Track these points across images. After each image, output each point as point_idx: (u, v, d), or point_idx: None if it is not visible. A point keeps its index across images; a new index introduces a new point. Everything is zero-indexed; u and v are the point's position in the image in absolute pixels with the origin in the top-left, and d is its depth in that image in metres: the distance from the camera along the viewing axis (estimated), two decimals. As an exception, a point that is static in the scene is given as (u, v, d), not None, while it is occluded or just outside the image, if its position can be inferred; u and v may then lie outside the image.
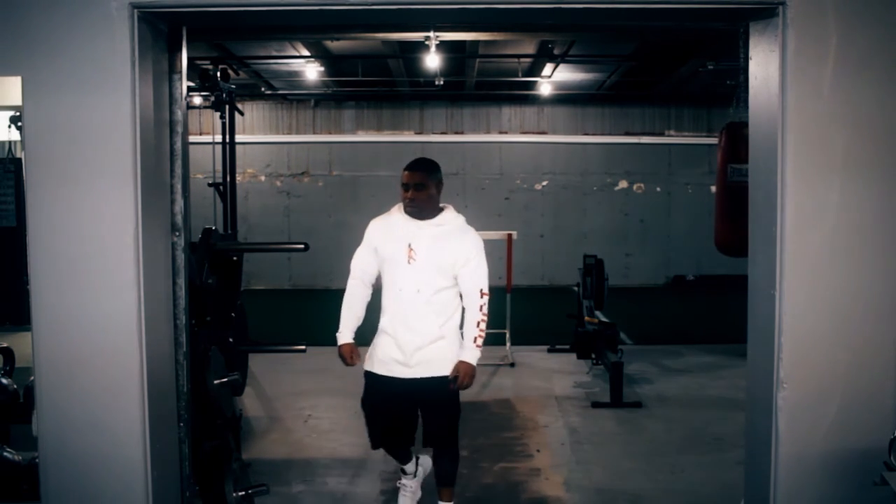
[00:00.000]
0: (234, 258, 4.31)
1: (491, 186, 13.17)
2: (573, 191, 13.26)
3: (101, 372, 2.85)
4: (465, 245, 3.41)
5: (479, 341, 3.40)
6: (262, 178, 13.16)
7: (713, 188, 8.68)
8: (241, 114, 5.60)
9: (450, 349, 3.40)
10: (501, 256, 7.54)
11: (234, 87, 4.48)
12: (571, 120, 13.23)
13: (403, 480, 3.75)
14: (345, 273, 3.55)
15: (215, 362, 3.55)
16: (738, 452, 3.88)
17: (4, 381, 3.99)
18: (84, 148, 2.79)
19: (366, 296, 3.54)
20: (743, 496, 3.24)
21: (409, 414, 3.50)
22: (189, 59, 3.19)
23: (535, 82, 11.35)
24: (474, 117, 13.19)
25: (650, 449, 4.85)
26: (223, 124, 4.55)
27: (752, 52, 3.03)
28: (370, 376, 3.49)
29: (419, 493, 3.77)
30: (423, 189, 3.38)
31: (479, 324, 3.39)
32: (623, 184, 13.27)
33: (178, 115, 3.11)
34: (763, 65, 2.93)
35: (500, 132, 13.26)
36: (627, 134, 13.20)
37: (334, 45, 9.09)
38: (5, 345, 4.28)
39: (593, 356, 6.47)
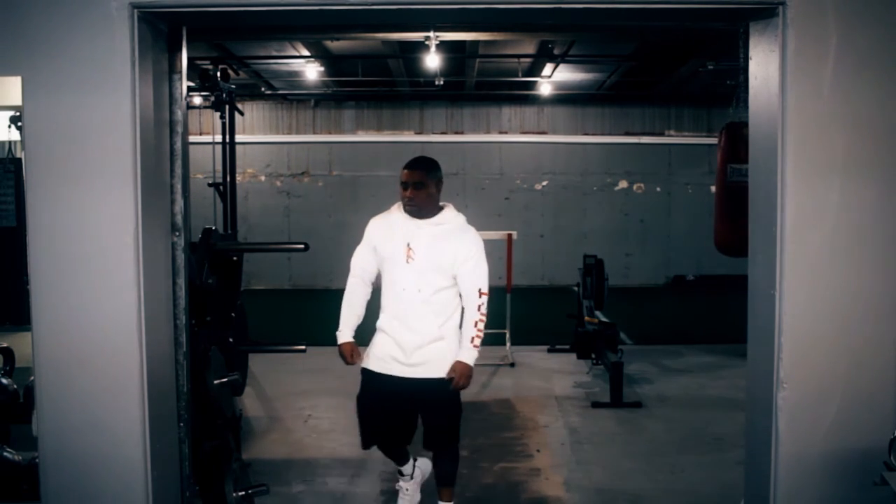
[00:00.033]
0: (234, 258, 4.31)
1: (491, 186, 13.17)
2: (573, 191, 13.26)
3: (101, 372, 2.85)
4: (465, 244, 3.39)
5: (477, 341, 3.38)
6: (262, 178, 13.17)
7: (713, 188, 8.68)
8: (241, 114, 5.60)
9: (449, 350, 3.38)
10: (501, 256, 7.54)
11: (234, 87, 4.48)
12: (571, 120, 13.23)
13: (401, 483, 3.73)
14: (345, 273, 3.55)
15: (215, 362, 3.55)
16: (738, 452, 3.88)
17: (4, 381, 3.99)
18: (84, 148, 2.79)
19: (366, 294, 3.53)
20: (743, 496, 3.24)
21: (405, 413, 3.48)
22: (189, 59, 3.19)
23: (535, 82, 11.35)
24: (474, 117, 13.19)
25: (650, 449, 4.85)
26: (223, 124, 4.55)
27: (752, 52, 3.03)
28: (366, 373, 3.47)
29: (418, 497, 3.75)
30: (422, 188, 3.35)
31: (476, 323, 3.37)
32: (623, 184, 13.27)
33: (178, 115, 3.11)
34: (763, 65, 2.93)
35: (500, 132, 13.26)
36: (627, 134, 13.20)
37: (334, 45, 9.09)
38: (5, 345, 4.29)
39: (593, 356, 6.47)
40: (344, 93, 12.46)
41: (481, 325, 3.37)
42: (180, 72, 3.11)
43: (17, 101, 2.79)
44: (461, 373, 3.35)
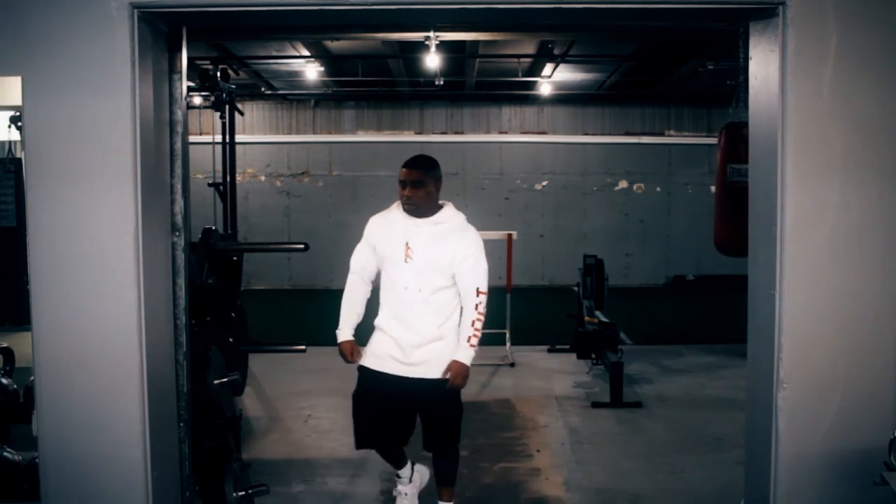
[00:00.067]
0: (234, 258, 4.31)
1: (491, 186, 13.17)
2: (573, 191, 13.26)
3: (101, 372, 2.85)
4: (464, 243, 3.36)
5: (474, 340, 3.34)
6: (262, 178, 13.17)
7: (713, 188, 8.69)
8: (241, 114, 5.60)
9: (449, 350, 3.36)
10: (501, 256, 7.54)
11: (234, 87, 4.48)
12: (571, 120, 13.23)
13: (399, 487, 3.70)
14: (345, 273, 3.54)
15: (215, 362, 3.55)
16: (738, 452, 3.88)
17: (4, 381, 3.99)
18: (84, 148, 2.79)
19: (365, 292, 3.51)
20: (743, 496, 3.24)
21: (402, 413, 3.45)
22: (189, 59, 3.19)
23: (535, 82, 11.35)
24: (474, 117, 13.19)
25: (650, 449, 4.85)
26: (223, 124, 4.55)
27: (752, 52, 3.03)
28: (364, 371, 3.44)
29: (416, 503, 3.72)
30: (420, 186, 3.33)
31: (474, 322, 3.34)
32: (623, 184, 13.27)
33: (178, 115, 3.11)
34: (763, 65, 2.93)
35: (500, 132, 13.26)
36: (627, 134, 13.20)
37: (334, 45, 9.09)
38: (5, 345, 4.29)
39: (593, 356, 6.47)
40: (344, 93, 12.46)
41: (479, 325, 3.35)
42: (180, 72, 3.11)
43: (17, 101, 2.79)
44: (457, 372, 3.33)
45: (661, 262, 13.24)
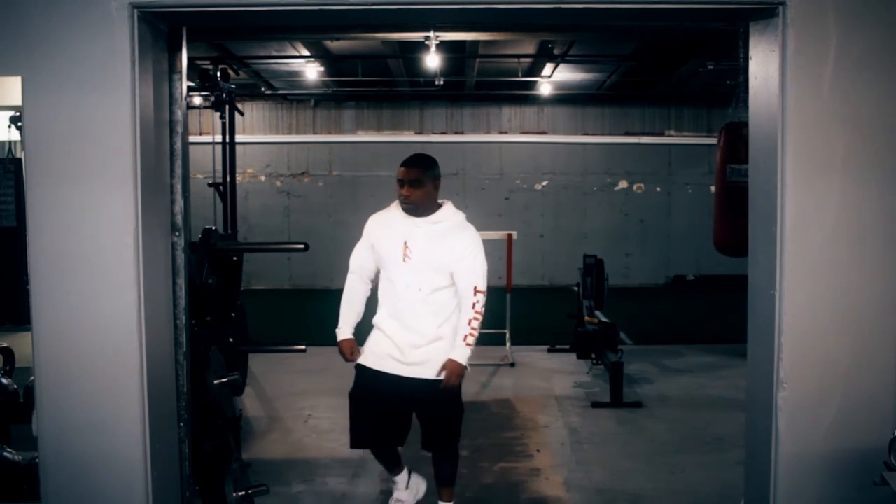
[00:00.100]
0: (234, 258, 4.31)
1: (491, 186, 13.17)
2: (573, 191, 13.26)
3: (101, 372, 2.85)
4: (462, 241, 3.35)
5: (470, 339, 3.32)
6: (262, 178, 13.17)
7: (713, 188, 8.69)
8: (241, 114, 5.60)
9: (448, 351, 3.35)
10: (501, 256, 7.55)
11: (234, 87, 4.48)
12: (571, 120, 13.23)
13: (396, 494, 3.67)
14: (345, 273, 3.54)
15: (215, 362, 3.55)
16: (738, 452, 3.88)
17: (4, 381, 3.99)
18: (84, 148, 2.79)
19: (365, 291, 3.51)
20: (743, 496, 3.24)
21: (399, 413, 3.43)
22: (189, 59, 3.19)
23: (535, 82, 11.35)
24: (474, 117, 13.19)
25: (650, 449, 4.85)
26: (223, 124, 4.55)
27: (752, 52, 3.03)
28: (361, 370, 3.42)
29: None
30: (418, 185, 3.31)
31: (471, 322, 3.31)
32: (623, 184, 13.27)
33: (178, 115, 3.11)
34: (763, 65, 2.93)
35: (500, 132, 13.26)
36: (627, 134, 13.20)
37: (334, 45, 9.09)
38: (5, 345, 4.28)
39: (593, 356, 6.47)
40: (344, 93, 12.46)
41: (475, 324, 3.32)
42: (180, 72, 3.11)
43: (17, 101, 2.79)
44: (452, 371, 3.30)
45: (661, 262, 13.24)
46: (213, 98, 4.23)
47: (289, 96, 12.78)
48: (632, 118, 13.17)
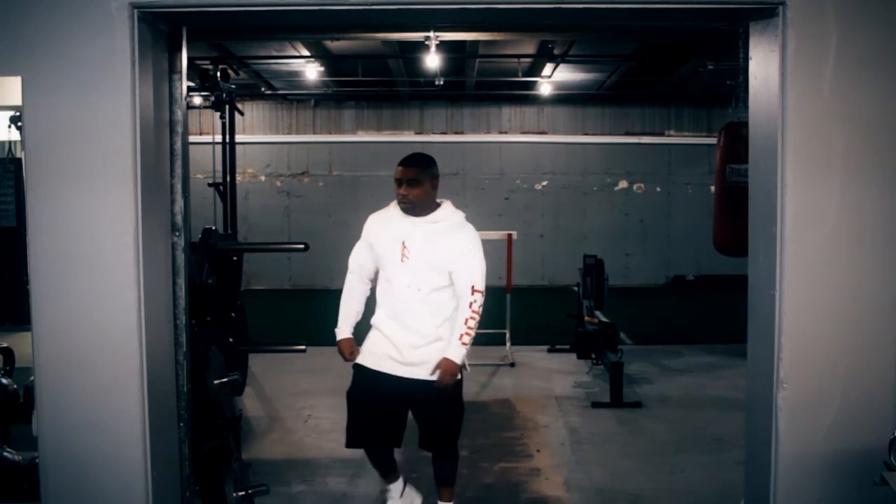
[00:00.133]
0: (234, 258, 4.31)
1: (491, 186, 13.17)
2: (573, 191, 13.26)
3: (101, 372, 2.85)
4: (460, 240, 3.33)
5: (466, 339, 3.28)
6: (262, 178, 13.17)
7: (713, 188, 8.71)
8: (241, 114, 5.60)
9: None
10: (501, 256, 7.55)
11: (234, 87, 4.48)
12: (571, 120, 13.23)
13: (390, 503, 3.63)
14: (345, 273, 3.53)
15: (215, 362, 3.55)
16: (738, 452, 3.88)
17: (4, 381, 3.99)
18: (84, 148, 2.79)
19: (364, 291, 3.49)
20: (743, 496, 3.24)
21: (397, 413, 3.40)
22: (189, 59, 3.19)
23: (535, 82, 11.35)
24: (474, 117, 13.19)
25: (650, 449, 4.85)
26: (223, 124, 4.55)
27: (752, 52, 3.03)
28: (359, 369, 3.40)
29: None
30: (416, 185, 3.29)
31: (467, 321, 3.28)
32: (623, 184, 13.27)
33: (178, 115, 3.11)
34: (763, 65, 2.93)
35: (500, 132, 13.26)
36: (627, 134, 13.20)
37: (334, 45, 9.09)
38: (5, 345, 4.28)
39: (593, 356, 6.47)
40: (344, 93, 12.46)
41: (472, 323, 3.29)
42: (180, 72, 3.11)
43: (17, 101, 2.79)
44: (446, 370, 3.27)
45: (661, 262, 13.24)
46: (213, 98, 4.23)
47: (289, 96, 12.79)
48: (632, 118, 13.17)
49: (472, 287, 3.30)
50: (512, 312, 7.38)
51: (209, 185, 4.62)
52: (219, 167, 4.63)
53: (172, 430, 3.13)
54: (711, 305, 11.23)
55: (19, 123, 3.02)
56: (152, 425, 2.90)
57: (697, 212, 12.49)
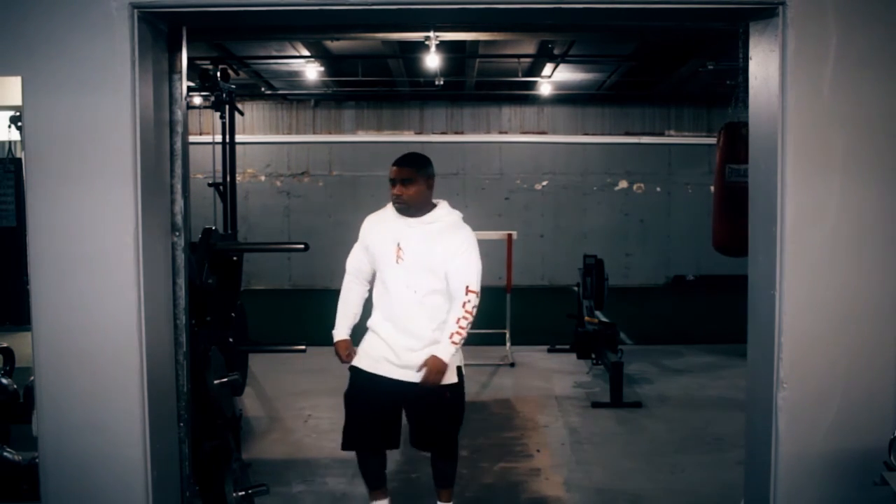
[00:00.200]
0: (234, 258, 4.31)
1: (491, 186, 13.17)
2: (573, 191, 13.26)
3: (102, 372, 2.85)
4: (455, 240, 3.29)
5: (457, 338, 3.25)
6: (262, 178, 13.17)
7: (713, 188, 8.72)
8: (241, 114, 5.61)
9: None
10: (501, 256, 7.54)
11: (234, 87, 4.48)
12: (571, 120, 13.23)
13: None
14: (344, 273, 3.53)
15: (215, 362, 3.55)
16: (738, 452, 3.88)
17: (4, 381, 3.99)
18: (84, 148, 2.79)
19: (362, 293, 3.48)
20: (743, 496, 3.24)
21: (393, 416, 3.38)
22: (189, 59, 3.19)
23: (535, 82, 11.36)
24: (474, 117, 13.19)
25: (650, 449, 4.85)
26: (223, 124, 4.55)
27: (752, 52, 3.03)
28: (356, 372, 3.38)
29: None
30: (410, 184, 3.25)
31: (459, 321, 3.24)
32: (623, 184, 13.27)
33: (178, 115, 3.11)
34: (763, 65, 2.93)
35: (500, 132, 13.26)
36: (627, 134, 13.20)
37: (334, 45, 9.09)
38: (5, 345, 4.28)
39: (593, 356, 6.47)
40: (344, 93, 12.46)
41: (464, 323, 3.25)
42: (180, 72, 3.11)
43: (17, 101, 2.79)
44: (432, 367, 3.23)
45: (661, 262, 13.24)
46: (213, 98, 4.23)
47: (289, 96, 12.79)
48: (632, 118, 13.17)
49: (467, 287, 3.26)
50: (512, 312, 7.37)
51: (209, 185, 4.62)
52: (219, 167, 4.63)
53: (172, 430, 3.13)
54: (711, 305, 11.23)
55: (19, 123, 3.02)
56: (152, 425, 2.90)
57: (697, 212, 12.49)
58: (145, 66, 2.86)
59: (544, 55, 9.63)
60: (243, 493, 3.46)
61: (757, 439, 3.04)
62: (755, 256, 3.07)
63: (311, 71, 10.38)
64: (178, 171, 3.12)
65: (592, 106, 13.10)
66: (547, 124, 13.26)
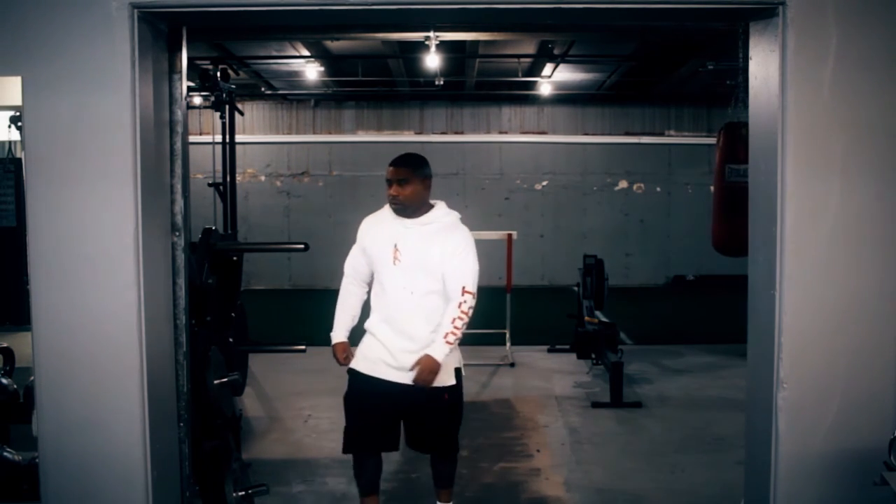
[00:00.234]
0: (234, 258, 4.31)
1: (491, 186, 13.17)
2: (573, 191, 13.26)
3: (102, 372, 2.85)
4: (452, 240, 3.26)
5: (451, 338, 3.21)
6: (262, 178, 13.17)
7: (713, 188, 8.72)
8: (241, 114, 5.61)
9: (445, 358, 3.24)
10: (501, 256, 7.54)
11: (234, 87, 4.48)
12: (571, 120, 13.23)
13: None
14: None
15: (215, 362, 3.55)
16: (738, 452, 3.88)
17: (4, 381, 3.99)
18: (84, 148, 2.79)
19: (360, 295, 3.45)
20: (743, 496, 3.24)
21: (392, 418, 3.35)
22: (189, 59, 3.19)
23: (535, 82, 11.35)
24: (474, 117, 13.19)
25: (650, 449, 4.85)
26: (223, 124, 4.55)
27: (752, 52, 3.04)
28: (354, 374, 3.35)
29: None
30: (406, 185, 3.23)
31: (454, 321, 3.21)
32: (623, 184, 13.27)
33: (178, 115, 3.11)
34: (763, 65, 2.94)
35: (500, 132, 13.26)
36: (627, 134, 13.20)
37: (334, 45, 9.09)
38: (5, 345, 4.28)
39: (593, 356, 6.47)
40: (344, 93, 12.46)
41: (459, 324, 3.22)
42: (180, 72, 3.11)
43: (17, 101, 2.79)
44: (424, 366, 3.19)
45: (661, 262, 13.24)
46: (213, 98, 4.23)
47: (289, 96, 12.79)
48: (632, 118, 13.17)
49: (463, 288, 3.24)
50: (512, 312, 7.36)
51: (209, 185, 4.62)
52: (219, 167, 4.64)
53: (172, 430, 3.14)
54: (711, 305, 11.23)
55: (19, 123, 3.02)
56: (152, 425, 2.90)
57: (697, 212, 12.48)
58: (145, 66, 2.86)
59: (544, 55, 9.63)
60: (243, 493, 3.46)
61: (757, 439, 3.04)
62: (755, 256, 3.07)
63: (311, 71, 10.38)
64: (178, 171, 3.12)
65: (592, 106, 13.10)
66: (547, 124, 13.26)
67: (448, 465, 3.53)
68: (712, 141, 10.40)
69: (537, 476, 4.39)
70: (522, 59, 10.09)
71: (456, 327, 3.22)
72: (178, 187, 3.12)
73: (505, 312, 7.29)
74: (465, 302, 3.23)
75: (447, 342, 3.21)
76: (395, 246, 3.27)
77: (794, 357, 2.84)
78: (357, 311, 3.45)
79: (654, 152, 13.16)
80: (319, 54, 9.60)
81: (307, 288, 12.80)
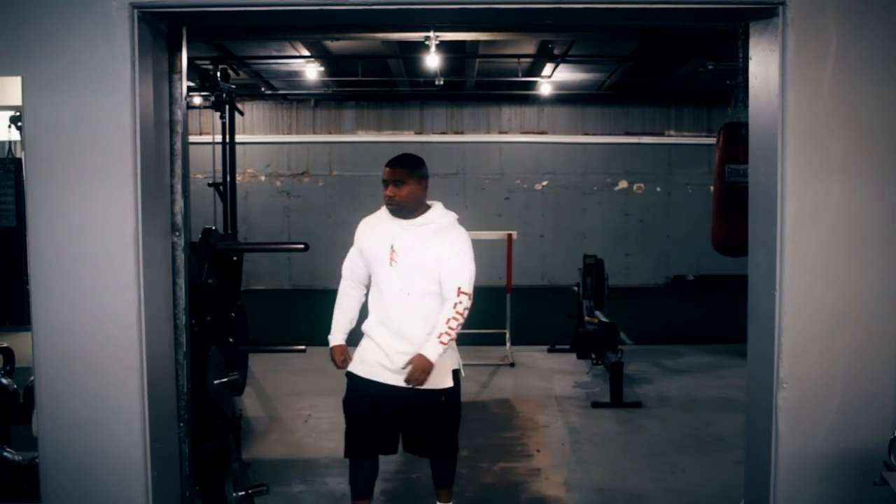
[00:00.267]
0: (234, 258, 4.31)
1: (491, 186, 13.17)
2: (573, 191, 13.26)
3: (102, 372, 2.85)
4: (449, 242, 3.25)
5: (445, 338, 3.18)
6: (262, 178, 13.17)
7: (713, 188, 8.72)
8: (241, 114, 5.61)
9: (442, 359, 3.23)
10: (501, 256, 7.51)
11: (234, 87, 4.48)
12: (571, 120, 13.23)
13: None
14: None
15: (215, 362, 3.55)
16: (738, 452, 3.88)
17: (4, 381, 3.99)
18: (84, 148, 2.80)
19: (358, 297, 3.44)
20: (743, 496, 3.24)
21: (390, 420, 3.33)
22: (189, 59, 3.19)
23: (535, 82, 11.35)
24: (474, 117, 13.19)
25: (650, 449, 4.85)
26: (223, 124, 4.55)
27: (752, 52, 3.04)
28: (352, 378, 3.34)
29: None
30: (402, 185, 3.23)
31: (449, 321, 3.19)
32: (623, 184, 13.27)
33: (178, 115, 3.11)
34: (763, 65, 2.94)
35: (500, 132, 13.26)
36: (627, 134, 13.20)
37: (334, 45, 9.09)
38: (5, 345, 4.28)
39: (593, 356, 6.47)
40: (344, 93, 12.46)
41: (454, 324, 3.20)
42: (180, 72, 3.11)
43: (17, 101, 2.79)
44: (417, 365, 3.16)
45: (661, 262, 13.24)
46: (213, 98, 4.23)
47: (289, 96, 12.78)
48: (632, 118, 13.17)
49: (459, 288, 3.21)
50: (512, 312, 7.34)
51: (209, 185, 4.62)
52: (219, 167, 4.63)
53: (172, 430, 3.14)
54: (711, 305, 11.23)
55: (19, 123, 3.02)
56: (152, 425, 2.90)
57: (697, 212, 12.48)
58: (145, 66, 2.86)
59: (544, 55, 9.63)
60: (243, 492, 3.46)
61: (757, 439, 3.04)
62: (755, 256, 3.07)
63: (311, 71, 10.38)
64: (178, 171, 3.12)
65: (592, 106, 13.10)
66: (547, 124, 13.25)
67: (448, 466, 3.52)
68: (712, 141, 10.39)
69: (537, 476, 4.39)
70: (522, 59, 10.09)
71: (450, 328, 3.20)
72: (178, 187, 3.12)
73: (505, 312, 7.28)
74: (460, 302, 3.21)
75: (440, 342, 3.19)
76: (392, 247, 3.26)
77: (794, 357, 2.85)
78: (355, 314, 3.44)
79: (654, 152, 13.15)
80: (319, 54, 9.60)
81: (307, 288, 12.80)
